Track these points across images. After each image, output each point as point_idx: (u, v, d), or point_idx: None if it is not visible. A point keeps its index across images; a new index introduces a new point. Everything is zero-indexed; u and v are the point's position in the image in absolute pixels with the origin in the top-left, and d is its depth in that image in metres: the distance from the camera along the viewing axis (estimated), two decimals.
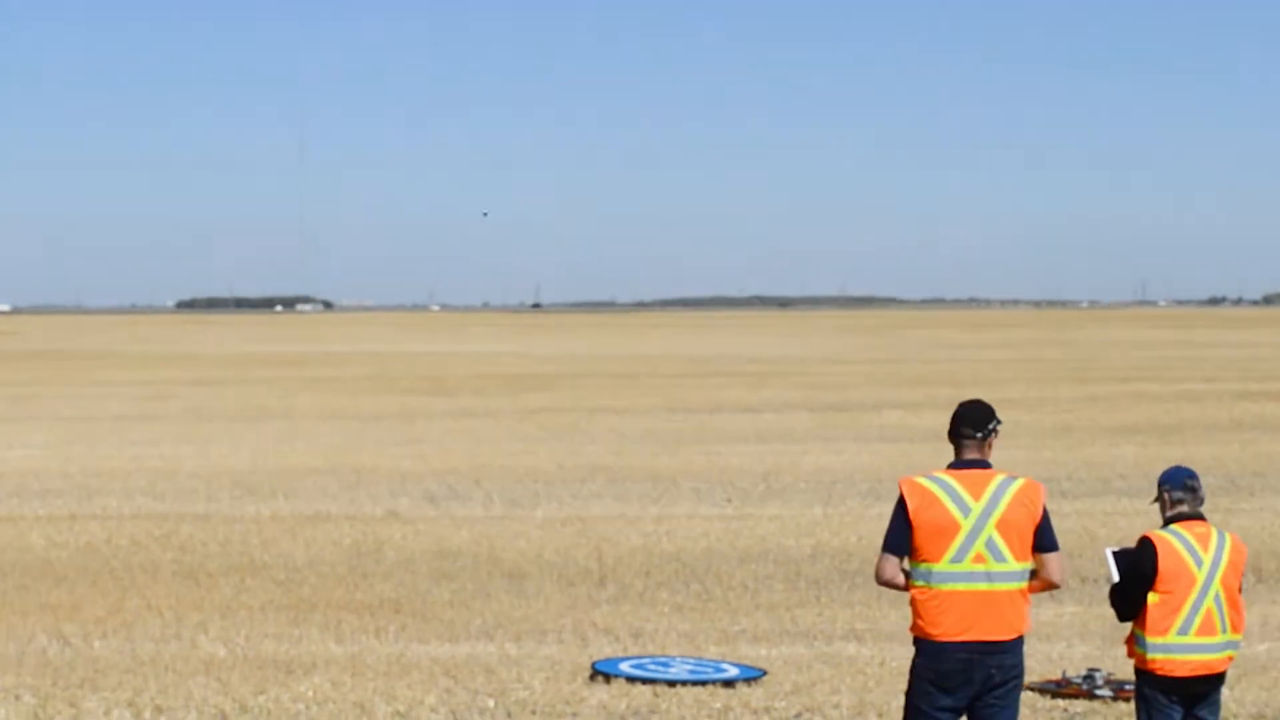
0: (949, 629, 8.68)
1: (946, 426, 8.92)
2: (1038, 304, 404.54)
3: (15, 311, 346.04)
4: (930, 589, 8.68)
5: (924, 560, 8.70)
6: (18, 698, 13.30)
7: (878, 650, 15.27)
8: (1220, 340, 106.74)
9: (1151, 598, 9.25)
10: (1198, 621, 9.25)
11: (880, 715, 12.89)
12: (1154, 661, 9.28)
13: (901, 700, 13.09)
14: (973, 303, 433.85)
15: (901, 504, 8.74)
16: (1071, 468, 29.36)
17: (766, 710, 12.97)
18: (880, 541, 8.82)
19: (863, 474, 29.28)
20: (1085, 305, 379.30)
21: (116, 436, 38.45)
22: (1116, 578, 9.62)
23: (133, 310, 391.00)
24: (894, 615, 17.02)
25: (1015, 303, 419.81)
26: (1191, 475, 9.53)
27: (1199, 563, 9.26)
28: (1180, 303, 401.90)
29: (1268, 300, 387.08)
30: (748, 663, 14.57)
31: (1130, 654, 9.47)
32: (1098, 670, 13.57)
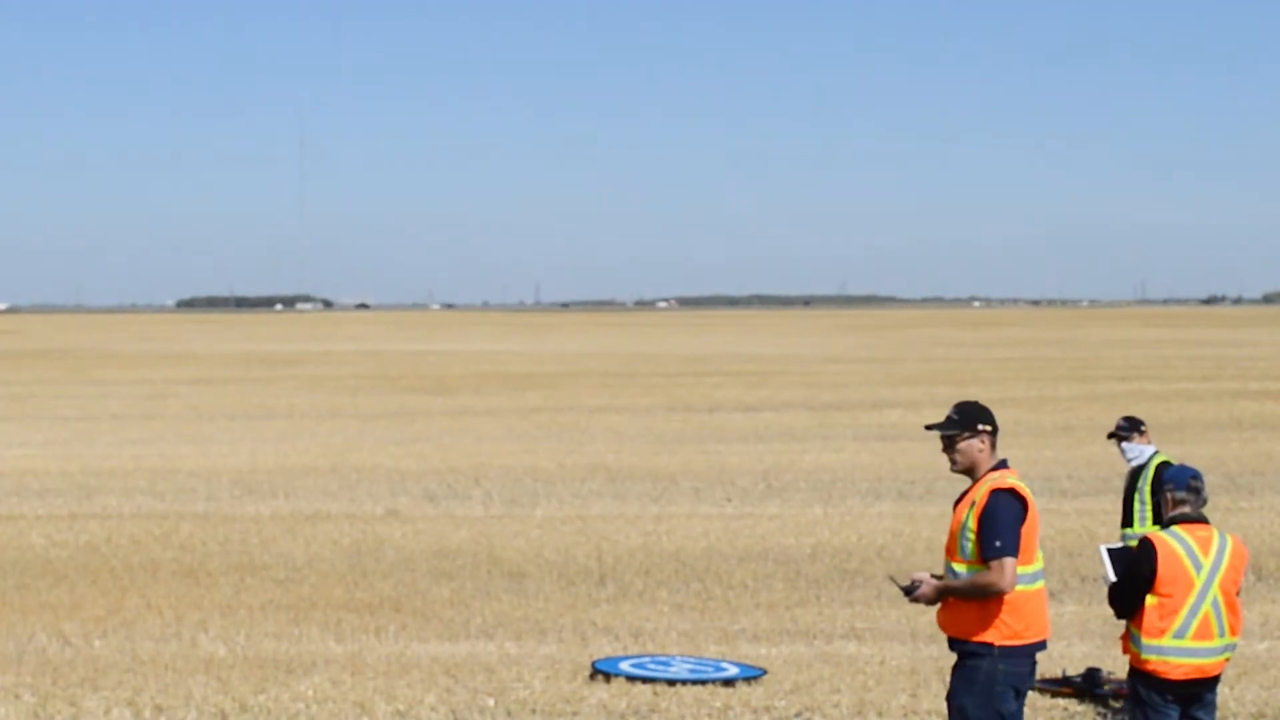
0: (1039, 630, 8.69)
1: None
2: (1037, 303, 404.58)
3: (15, 310, 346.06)
4: (1019, 591, 8.61)
5: (1021, 563, 8.66)
6: (18, 697, 13.30)
7: (878, 649, 15.27)
8: (1219, 339, 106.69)
9: (1149, 600, 9.24)
10: (1194, 626, 9.22)
11: (880, 714, 12.89)
12: (1148, 662, 9.28)
13: (903, 700, 13.13)
14: (973, 302, 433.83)
15: (1025, 506, 8.66)
16: (1071, 466, 29.36)
17: (766, 709, 12.97)
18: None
19: (862, 473, 29.28)
20: (1085, 305, 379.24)
21: (116, 436, 38.43)
22: (1113, 576, 9.61)
23: (133, 309, 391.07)
24: (894, 614, 17.02)
25: (1015, 302, 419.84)
26: (1196, 476, 9.48)
27: (1198, 567, 9.22)
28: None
29: (1267, 300, 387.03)
30: (748, 662, 14.57)
31: (1125, 650, 9.48)
32: (1098, 670, 13.57)
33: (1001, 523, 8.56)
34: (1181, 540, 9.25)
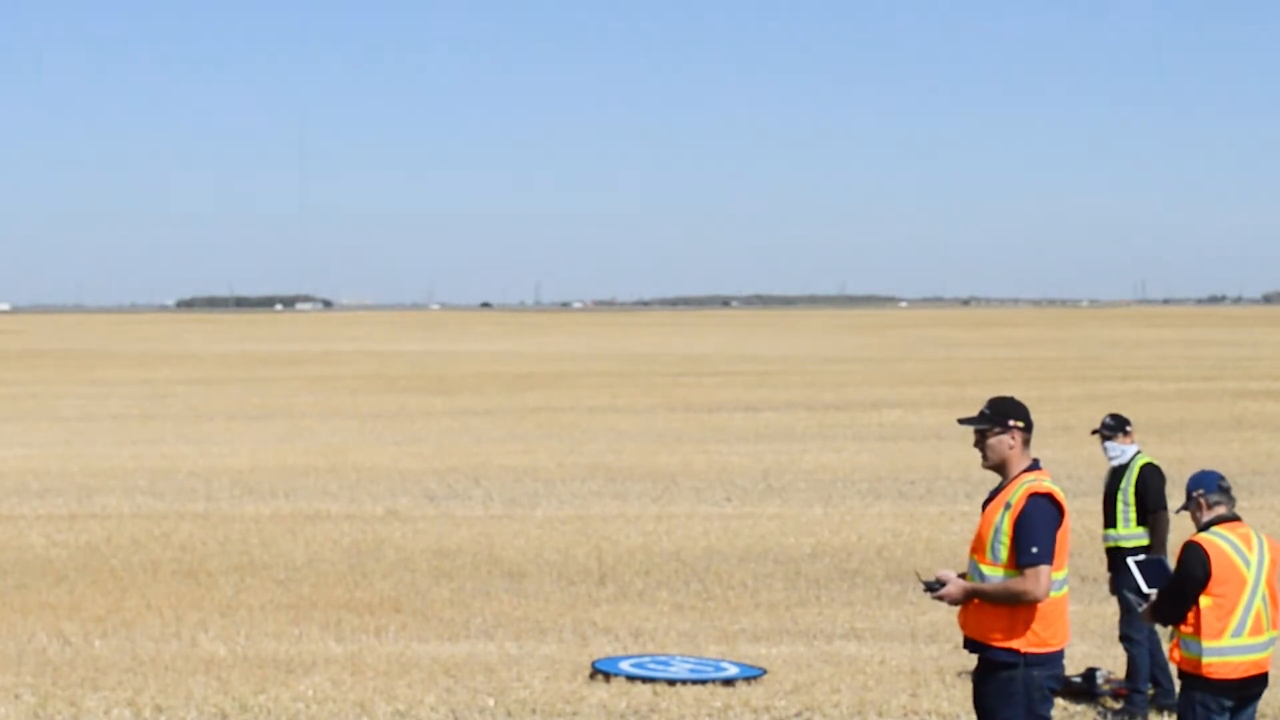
0: (1063, 636, 8.64)
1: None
2: (1037, 303, 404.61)
3: (15, 311, 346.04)
4: (1049, 599, 8.54)
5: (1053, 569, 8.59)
6: (18, 697, 13.31)
7: (878, 649, 15.27)
8: (1220, 339, 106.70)
9: (1204, 601, 9.10)
10: (1250, 623, 9.13)
11: (880, 714, 12.89)
12: (1209, 665, 9.13)
13: (903, 700, 13.13)
14: (973, 302, 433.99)
15: (1060, 511, 8.59)
16: (1071, 466, 29.35)
17: (766, 709, 12.97)
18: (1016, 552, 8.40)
19: (862, 473, 29.28)
20: (1085, 304, 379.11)
21: (116, 435, 38.44)
22: (1146, 589, 9.48)
23: (133, 309, 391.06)
24: (894, 614, 17.02)
25: (1015, 302, 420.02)
26: (1223, 477, 9.42)
27: (1247, 563, 9.15)
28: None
29: (1268, 299, 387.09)
30: (748, 662, 14.57)
31: (1174, 659, 9.30)
32: (1098, 669, 13.57)
33: (1038, 529, 8.46)
34: (1227, 539, 9.17)
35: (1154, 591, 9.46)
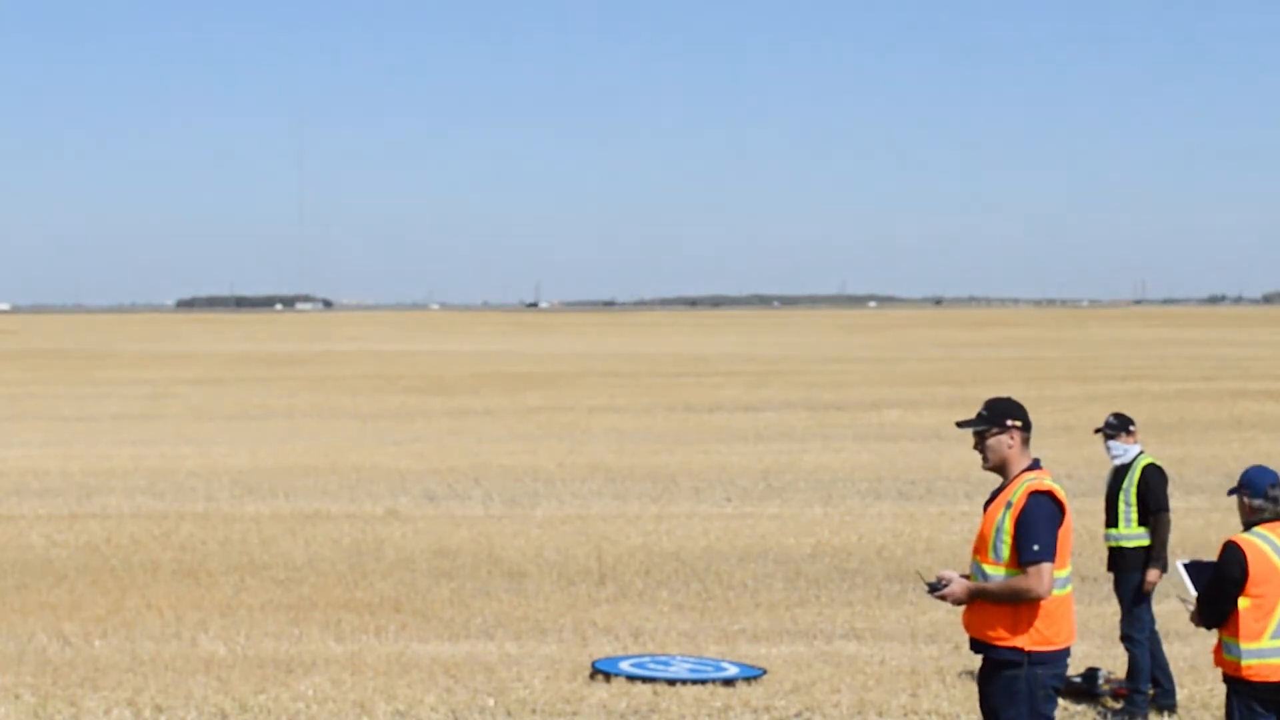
0: (1068, 634, 8.61)
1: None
2: (1038, 303, 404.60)
3: (15, 311, 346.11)
4: (1052, 596, 8.50)
5: (1055, 567, 8.54)
6: (18, 697, 13.30)
7: (878, 649, 15.27)
8: (1220, 339, 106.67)
9: (1242, 602, 8.97)
10: None
11: (880, 714, 12.89)
12: (1249, 668, 8.99)
13: (903, 700, 13.13)
14: (973, 302, 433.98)
15: (1061, 509, 8.56)
16: (1071, 466, 29.34)
17: (766, 709, 12.97)
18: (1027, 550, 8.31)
19: (862, 473, 29.27)
20: (1085, 304, 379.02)
21: (116, 436, 38.42)
22: (1194, 592, 9.37)
23: (133, 309, 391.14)
24: (894, 615, 17.02)
25: (1015, 302, 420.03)
26: (1275, 483, 9.21)
27: None
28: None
29: (1268, 299, 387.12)
30: (748, 662, 14.57)
31: (1218, 662, 9.19)
32: (1098, 669, 13.57)
33: (1039, 527, 8.46)
34: (1267, 539, 9.04)
35: (1194, 596, 9.34)
